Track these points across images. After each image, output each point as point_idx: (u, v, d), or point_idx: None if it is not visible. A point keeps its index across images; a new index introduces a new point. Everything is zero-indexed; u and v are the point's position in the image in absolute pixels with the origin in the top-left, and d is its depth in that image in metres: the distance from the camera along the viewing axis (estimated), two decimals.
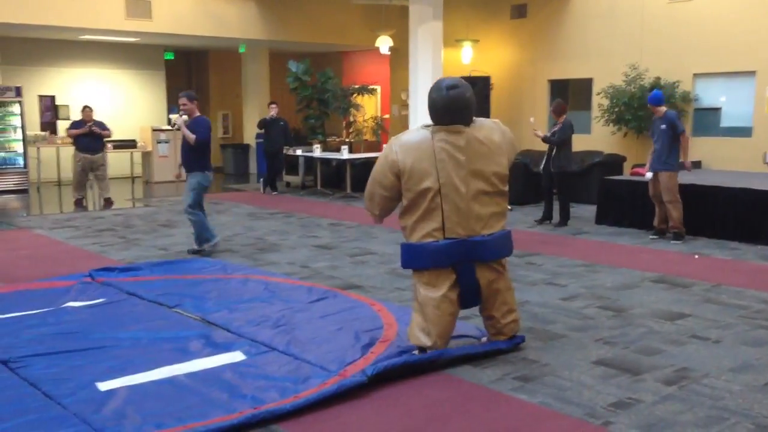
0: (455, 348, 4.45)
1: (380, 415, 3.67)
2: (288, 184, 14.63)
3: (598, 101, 12.77)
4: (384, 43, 15.09)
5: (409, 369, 4.15)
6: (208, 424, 3.48)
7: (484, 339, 4.67)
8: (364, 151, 13.90)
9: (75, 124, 11.70)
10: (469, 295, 4.40)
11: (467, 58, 14.88)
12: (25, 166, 13.70)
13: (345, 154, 12.87)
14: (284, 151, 13.48)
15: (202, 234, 7.76)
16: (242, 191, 13.93)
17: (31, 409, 3.66)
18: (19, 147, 13.63)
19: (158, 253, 7.91)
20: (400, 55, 15.75)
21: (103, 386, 3.97)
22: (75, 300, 5.79)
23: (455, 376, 4.17)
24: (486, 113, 10.97)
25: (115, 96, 15.66)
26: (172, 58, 17.22)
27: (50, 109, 14.86)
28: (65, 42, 14.94)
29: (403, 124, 16.21)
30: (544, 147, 9.83)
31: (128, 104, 15.95)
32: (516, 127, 14.51)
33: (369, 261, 7.44)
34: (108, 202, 11.80)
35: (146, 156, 15.50)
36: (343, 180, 13.29)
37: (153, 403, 3.74)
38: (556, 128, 9.51)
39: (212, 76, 18.51)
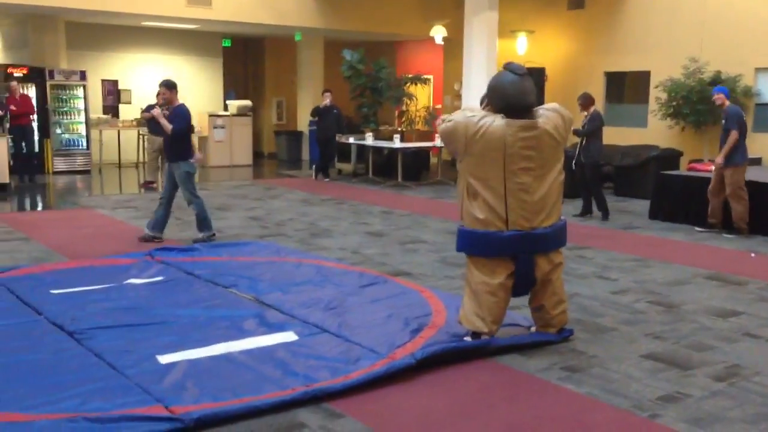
0: (504, 337, 4.50)
1: (428, 398, 3.76)
2: (339, 172, 14.78)
3: (656, 95, 12.55)
4: (438, 33, 15.10)
5: (457, 354, 4.23)
6: (263, 398, 3.62)
7: (533, 329, 4.71)
8: (416, 141, 13.93)
9: (149, 108, 11.71)
10: (522, 284, 4.46)
11: (522, 49, 14.78)
12: (88, 147, 14.15)
13: (397, 142, 12.94)
14: (337, 139, 13.62)
15: (206, 219, 7.66)
16: (295, 177, 14.14)
17: (97, 377, 3.86)
18: (82, 129, 14.08)
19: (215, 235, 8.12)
20: (453, 46, 15.73)
21: (163, 359, 4.15)
22: (136, 277, 6.02)
23: (502, 363, 4.23)
24: (540, 104, 10.85)
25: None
26: (230, 45, 17.52)
27: (113, 93, 15.31)
28: (128, 28, 15.35)
29: None
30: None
31: (186, 90, 16.16)
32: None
33: (419, 249, 7.52)
34: (148, 185, 12.00)
35: (203, 141, 15.83)
36: (395, 168, 13.38)
37: (210, 377, 3.90)
38: (585, 120, 9.51)
39: (268, 63, 18.76)
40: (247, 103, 16.59)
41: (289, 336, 4.60)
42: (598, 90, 14.08)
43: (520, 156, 4.28)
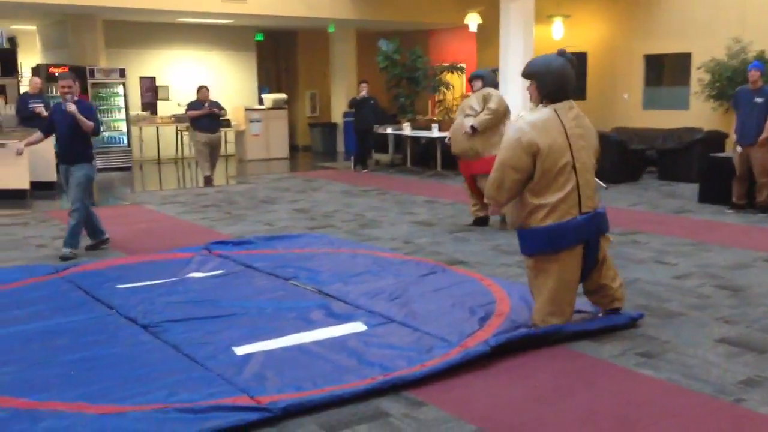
0: (576, 323, 4.50)
1: (506, 385, 3.78)
2: (377, 162, 14.81)
3: (698, 76, 12.36)
4: (473, 21, 15.01)
5: (530, 342, 4.23)
6: (344, 388, 3.67)
7: (600, 314, 4.71)
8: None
9: (193, 105, 11.64)
10: (589, 268, 4.49)
11: (558, 34, 14.64)
12: (129, 144, 14.34)
13: (435, 132, 12.93)
14: (374, 130, 13.63)
15: (74, 237, 6.81)
16: (332, 169, 14.19)
17: (179, 369, 3.93)
18: (122, 126, 14.26)
19: (264, 227, 8.20)
20: (487, 33, 15.62)
21: (239, 351, 4.21)
22: (196, 271, 6.10)
23: (575, 350, 4.23)
24: (582, 91, 10.79)
25: (209, 76, 16.08)
26: (262, 39, 17.61)
27: (151, 89, 15.46)
28: (164, 25, 15.48)
29: None
30: (639, 123, 9.67)
31: (222, 84, 16.39)
32: (610, 104, 14.27)
33: (470, 238, 7.52)
34: (208, 180, 12.07)
35: (239, 135, 15.95)
36: (433, 158, 13.37)
37: (288, 368, 3.95)
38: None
39: (300, 56, 18.82)
40: (283, 96, 16.67)
41: (357, 326, 4.63)
42: (637, 73, 13.94)
43: (576, 135, 4.37)
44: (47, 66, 13.59)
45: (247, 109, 15.87)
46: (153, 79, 15.51)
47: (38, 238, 7.69)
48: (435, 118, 15.08)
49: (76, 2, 12.02)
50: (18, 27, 16.13)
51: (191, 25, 15.69)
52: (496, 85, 8.50)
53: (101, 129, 7.04)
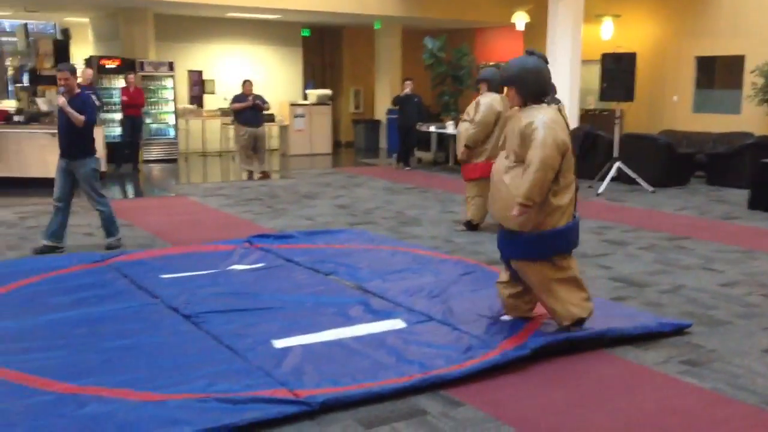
0: (619, 327, 4.42)
1: (545, 388, 3.73)
2: (420, 160, 14.78)
3: (752, 80, 12.05)
4: (520, 19, 14.88)
5: (570, 345, 4.18)
6: (383, 384, 3.67)
7: (506, 317, 4.69)
8: None
9: (237, 98, 11.75)
10: None
11: (607, 34, 14.42)
12: (175, 137, 14.56)
13: None
14: (417, 128, 13.61)
15: (111, 227, 6.86)
16: (375, 166, 14.21)
17: (220, 360, 3.98)
18: (170, 119, 14.49)
19: (305, 222, 8.25)
20: (534, 32, 15.46)
21: (278, 344, 4.24)
22: (238, 263, 6.17)
23: (615, 355, 4.17)
24: (631, 91, 10.59)
25: (255, 71, 16.25)
26: (308, 35, 17.70)
27: (198, 83, 15.67)
28: (212, 19, 15.68)
29: None
30: (688, 126, 9.45)
31: (267, 79, 16.53)
32: (659, 106, 14.00)
33: None
34: (265, 175, 12.11)
35: (283, 130, 16.08)
36: None
37: (326, 363, 3.96)
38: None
39: (345, 52, 18.87)
40: (327, 92, 16.74)
41: (397, 323, 4.63)
42: (688, 75, 13.65)
43: (570, 138, 4.32)
44: (99, 58, 13.87)
45: (291, 104, 15.98)
46: (200, 72, 15.71)
47: (85, 226, 7.86)
48: None
49: None
50: (71, 19, 16.48)
51: (239, 20, 15.85)
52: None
53: (95, 119, 6.77)
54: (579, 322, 4.36)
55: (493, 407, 3.50)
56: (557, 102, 4.30)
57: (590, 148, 12.00)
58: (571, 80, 12.75)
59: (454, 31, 17.86)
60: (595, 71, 13.83)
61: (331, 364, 3.94)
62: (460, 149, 7.61)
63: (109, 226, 6.83)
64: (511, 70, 4.31)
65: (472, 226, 7.75)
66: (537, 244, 4.29)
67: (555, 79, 12.56)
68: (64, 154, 6.64)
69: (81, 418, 3.27)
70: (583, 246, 7.00)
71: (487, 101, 7.37)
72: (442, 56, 14.20)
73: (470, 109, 7.58)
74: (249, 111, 11.65)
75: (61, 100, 6.48)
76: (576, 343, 4.22)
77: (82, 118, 6.47)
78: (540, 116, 4.17)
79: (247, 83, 11.79)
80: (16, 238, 7.15)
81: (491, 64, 15.42)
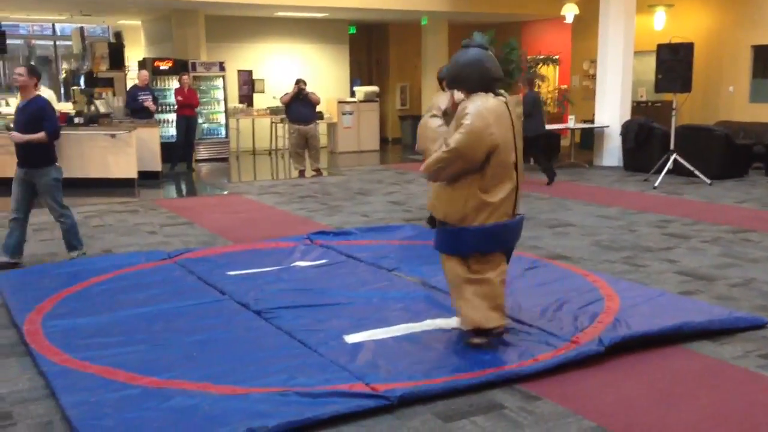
0: (694, 321, 4.36)
1: (623, 383, 3.70)
2: None
3: None
4: (570, 11, 14.71)
5: (646, 340, 4.14)
6: (458, 378, 3.69)
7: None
8: (547, 123, 13.65)
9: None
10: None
11: (659, 24, 14.17)
12: (226, 136, 14.77)
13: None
14: None
15: (73, 239, 6.46)
16: (423, 162, 14.18)
17: (295, 355, 4.04)
18: (221, 118, 14.70)
19: (361, 219, 8.30)
20: (584, 24, 15.28)
21: (350, 339, 4.29)
22: (300, 260, 6.24)
23: (692, 350, 4.11)
24: (688, 82, 10.40)
25: (303, 69, 16.39)
26: (355, 32, 17.77)
27: (248, 82, 15.86)
28: (261, 19, 15.85)
29: (584, 95, 15.79)
30: (744, 117, 9.24)
31: (315, 77, 16.62)
32: (714, 97, 13.71)
33: (570, 232, 7.40)
34: (318, 172, 12.17)
35: (331, 127, 16.18)
36: (524, 151, 13.19)
37: (399, 357, 3.99)
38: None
39: (392, 49, 18.89)
40: (374, 88, 16.79)
41: None
42: (744, 65, 13.34)
43: (519, 133, 4.06)
44: (152, 60, 14.14)
45: (339, 102, 16.07)
46: (250, 72, 15.90)
47: (148, 225, 8.04)
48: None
49: None
50: (124, 22, 16.85)
51: (287, 19, 16.00)
52: None
53: (57, 126, 6.21)
54: (480, 332, 4.09)
55: (571, 401, 3.49)
56: (501, 95, 4.07)
57: (645, 140, 11.82)
58: (623, 72, 12.59)
59: (501, 25, 17.73)
60: (647, 62, 13.64)
61: (404, 359, 3.97)
62: (426, 144, 7.36)
63: (72, 239, 6.40)
64: (452, 71, 4.15)
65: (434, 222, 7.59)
66: (456, 239, 4.06)
67: (607, 72, 12.44)
68: (22, 163, 6.14)
69: (168, 411, 3.36)
70: (645, 239, 6.95)
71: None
72: (492, 51, 14.09)
73: (440, 102, 7.37)
74: (299, 109, 11.73)
75: (16, 136, 6.02)
76: (651, 338, 4.17)
77: (42, 136, 6.03)
78: (477, 104, 3.93)
79: (300, 82, 11.90)
80: (84, 237, 7.29)
81: (540, 57, 15.30)
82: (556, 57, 15.73)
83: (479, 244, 4.03)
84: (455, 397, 3.56)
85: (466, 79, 4.03)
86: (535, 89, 11.76)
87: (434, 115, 7.27)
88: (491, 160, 3.92)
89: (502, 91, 4.12)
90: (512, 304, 4.85)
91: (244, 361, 3.95)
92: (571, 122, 13.26)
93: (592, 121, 13.42)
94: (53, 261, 6.40)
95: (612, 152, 12.87)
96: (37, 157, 6.13)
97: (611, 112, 12.76)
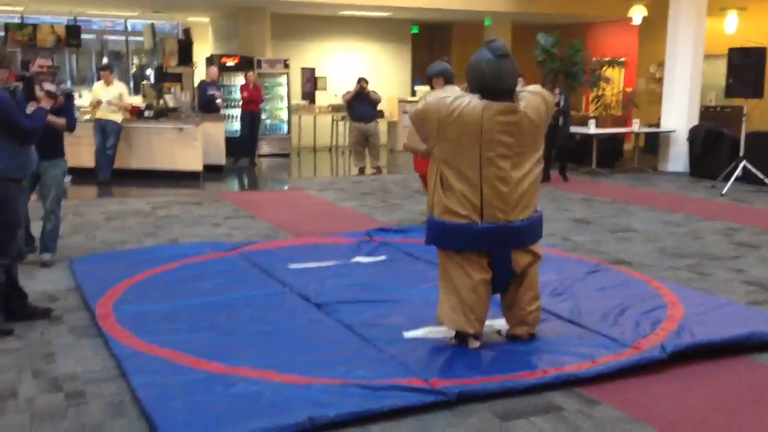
0: (762, 332, 4.26)
1: (685, 391, 3.65)
2: None
3: None
4: (638, 13, 14.43)
5: (710, 349, 4.06)
6: (516, 378, 3.69)
7: (503, 331, 4.34)
8: (611, 126, 13.45)
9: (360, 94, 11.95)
10: (501, 279, 4.12)
11: (731, 28, 13.79)
12: (289, 132, 14.99)
13: (592, 128, 12.58)
14: None
15: (51, 242, 6.04)
16: None
17: (354, 348, 4.11)
18: (284, 115, 14.93)
19: (420, 217, 8.32)
20: (651, 26, 14.97)
21: (408, 334, 4.34)
22: (360, 256, 6.31)
23: (760, 362, 4.02)
24: (760, 87, 10.11)
25: (365, 68, 16.50)
26: (417, 32, 17.80)
27: (310, 80, 16.06)
28: (326, 18, 16.03)
29: (650, 98, 15.46)
30: None
31: (377, 76, 16.70)
32: None
33: (633, 238, 7.29)
34: (378, 170, 12.26)
35: (392, 126, 16.25)
36: (587, 155, 13.03)
37: (457, 355, 4.01)
38: None
39: (454, 49, 18.83)
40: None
41: None
42: None
43: (497, 141, 3.90)
44: (219, 56, 14.46)
45: (400, 101, 16.12)
46: (312, 70, 16.09)
47: (213, 217, 8.24)
48: (590, 114, 14.65)
49: None
50: (193, 19, 17.26)
51: (351, 18, 16.14)
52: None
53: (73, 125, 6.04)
54: (457, 335, 4.13)
55: (631, 407, 3.46)
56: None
57: (713, 146, 11.54)
58: (692, 76, 12.30)
59: (566, 27, 17.50)
60: (717, 66, 13.28)
61: (462, 357, 3.99)
62: (416, 144, 7.26)
63: (49, 241, 6.02)
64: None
65: None
66: (429, 229, 4.19)
67: (675, 75, 12.18)
68: (42, 154, 5.46)
69: (232, 396, 3.47)
70: (711, 247, 6.80)
71: (455, 93, 7.24)
72: (555, 52, 13.94)
73: None
74: (360, 107, 11.83)
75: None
76: (716, 347, 4.10)
77: (63, 122, 5.80)
78: (438, 94, 4.12)
79: (362, 81, 12.00)
80: (152, 227, 7.59)
81: (605, 59, 15.05)
82: (622, 59, 15.43)
83: (433, 236, 4.12)
84: (513, 397, 3.57)
85: (467, 78, 4.09)
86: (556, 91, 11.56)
87: None
88: (438, 152, 3.99)
89: (519, 92, 4.03)
90: (571, 308, 4.83)
91: (305, 352, 4.04)
92: (636, 126, 13.03)
93: (658, 125, 13.15)
94: (124, 248, 6.63)
95: (678, 157, 12.58)
96: (50, 147, 5.75)
97: (678, 116, 12.48)
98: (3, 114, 4.30)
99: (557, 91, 11.66)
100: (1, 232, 4.39)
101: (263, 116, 14.43)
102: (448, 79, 7.23)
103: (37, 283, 5.44)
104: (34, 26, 15.21)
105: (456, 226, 4.00)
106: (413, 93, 16.91)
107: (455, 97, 3.96)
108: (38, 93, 4.66)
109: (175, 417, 3.24)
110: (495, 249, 4.02)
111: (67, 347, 4.20)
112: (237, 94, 13.69)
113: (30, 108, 4.60)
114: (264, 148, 14.59)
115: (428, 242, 4.19)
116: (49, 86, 4.79)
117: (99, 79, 11.43)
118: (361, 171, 12.20)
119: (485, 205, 3.96)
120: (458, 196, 3.97)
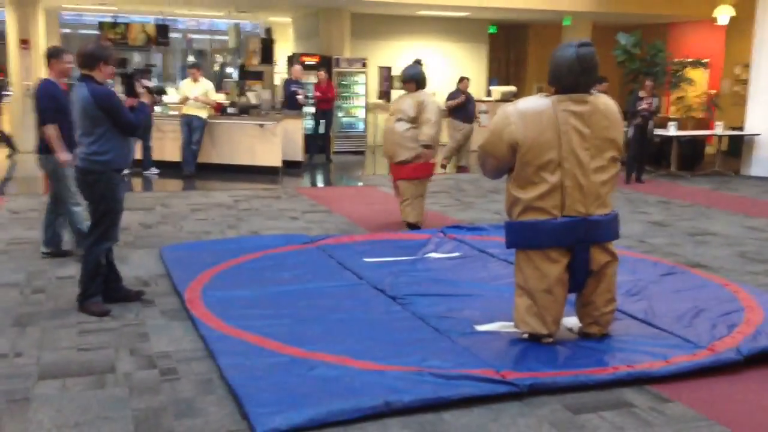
0: None
1: (759, 394, 3.65)
2: None
3: None
4: (724, 13, 14.04)
5: None
6: (588, 373, 3.76)
7: (576, 328, 4.35)
8: (693, 128, 13.15)
9: (452, 95, 12.25)
10: (578, 277, 4.11)
11: None
12: (365, 130, 15.24)
13: (672, 130, 12.33)
14: None
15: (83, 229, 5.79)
16: None
17: (429, 339, 4.25)
18: (361, 113, 15.18)
19: (494, 216, 8.41)
20: (738, 27, 14.52)
21: (481, 328, 4.45)
22: (434, 252, 6.45)
23: None
24: None
25: (443, 67, 16.61)
26: (495, 31, 17.77)
27: (387, 79, 16.27)
28: (403, 17, 16.21)
29: (734, 100, 15.01)
30: None
31: (453, 75, 16.75)
32: None
33: (711, 241, 7.17)
34: (462, 169, 12.49)
35: None
36: (665, 157, 12.78)
37: (528, 349, 4.11)
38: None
39: (531, 49, 18.75)
40: (512, 89, 16.72)
41: None
42: None
43: (574, 131, 3.97)
44: (300, 55, 14.82)
45: (476, 101, 16.12)
46: (389, 69, 16.29)
47: (291, 210, 8.52)
48: (671, 116, 14.34)
49: None
50: (274, 19, 17.74)
51: (428, 17, 16.26)
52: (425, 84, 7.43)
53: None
54: (533, 336, 4.18)
55: (704, 406, 3.49)
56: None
57: None
58: None
59: (647, 27, 17.17)
60: None
61: (533, 351, 4.08)
62: (393, 149, 7.26)
63: (80, 232, 5.87)
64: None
65: (415, 227, 7.44)
66: (505, 232, 4.25)
67: (761, 77, 11.85)
68: (42, 148, 5.75)
69: (313, 378, 3.66)
70: None
71: (432, 100, 7.28)
72: (636, 53, 13.71)
73: (407, 108, 7.16)
74: (468, 107, 12.10)
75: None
76: None
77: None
78: (515, 104, 4.16)
79: (464, 80, 12.19)
80: (234, 219, 7.92)
81: (688, 60, 14.70)
82: (705, 60, 15.04)
83: (515, 238, 4.16)
84: (584, 391, 3.64)
85: (550, 70, 4.16)
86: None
87: (400, 119, 7.21)
88: (517, 156, 4.02)
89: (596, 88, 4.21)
90: (645, 308, 4.84)
91: (381, 340, 4.20)
92: (719, 129, 12.69)
93: (742, 128, 12.78)
94: (208, 238, 6.96)
95: (762, 161, 12.21)
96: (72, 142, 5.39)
97: (763, 119, 12.10)
98: (114, 109, 4.62)
99: (650, 93, 11.36)
100: (106, 218, 4.73)
101: (340, 114, 14.71)
102: (419, 84, 7.33)
103: (130, 268, 5.79)
104: (126, 25, 15.94)
105: (536, 224, 4.04)
106: (488, 93, 16.91)
107: (513, 109, 4.06)
108: (138, 89, 4.97)
109: (260, 395, 3.44)
110: (575, 243, 4.06)
111: (159, 328, 4.49)
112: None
113: (128, 103, 4.91)
114: (339, 144, 14.87)
115: (509, 245, 4.23)
116: (147, 83, 5.11)
117: (186, 76, 11.91)
118: (464, 169, 12.52)
119: (566, 196, 4.00)
120: (540, 192, 4.02)
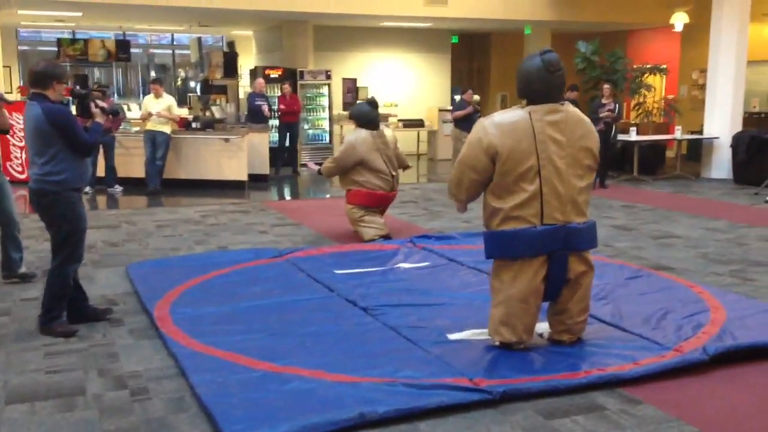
0: None
1: (729, 392, 3.72)
2: None
3: None
4: (679, 20, 14.36)
5: (753, 353, 4.11)
6: (559, 378, 3.80)
7: (546, 334, 4.41)
8: (652, 133, 13.40)
9: (459, 106, 12.31)
10: (555, 286, 4.18)
11: None
12: (330, 141, 15.23)
13: (633, 135, 12.56)
14: None
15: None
16: None
17: (400, 349, 4.26)
18: (326, 124, 15.18)
19: (462, 224, 8.46)
20: (693, 33, 14.88)
21: (453, 336, 4.47)
22: (404, 262, 6.46)
23: None
24: None
25: (405, 78, 16.73)
26: (457, 41, 17.93)
27: (352, 90, 16.31)
28: (367, 29, 16.27)
29: (693, 105, 15.34)
30: None
31: (416, 85, 16.94)
32: None
33: (675, 244, 7.31)
34: None
35: (432, 135, 16.40)
36: (628, 162, 13.01)
37: (500, 356, 4.13)
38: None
39: (493, 58, 18.96)
40: (476, 98, 16.87)
41: None
42: None
43: (551, 140, 4.03)
44: (263, 68, 14.79)
45: (440, 110, 16.27)
46: (354, 80, 16.33)
47: (259, 224, 8.48)
48: (632, 122, 14.60)
49: (292, 9, 12.99)
50: (236, 32, 17.68)
51: (392, 29, 16.36)
52: (372, 122, 7.53)
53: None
54: (503, 344, 4.20)
55: (674, 407, 3.54)
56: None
57: (757, 152, 11.44)
58: (735, 82, 12.23)
59: (606, 34, 17.49)
60: (761, 72, 13.18)
61: (505, 358, 4.11)
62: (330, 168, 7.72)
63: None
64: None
65: (387, 237, 7.52)
66: (484, 242, 4.30)
67: (718, 82, 12.13)
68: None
69: (286, 393, 3.64)
70: (756, 254, 6.81)
71: (351, 140, 7.47)
72: (595, 60, 13.94)
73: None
74: (475, 118, 12.11)
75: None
76: (759, 350, 4.14)
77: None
78: (490, 117, 4.20)
79: (468, 92, 12.27)
80: (202, 234, 7.85)
81: (647, 66, 14.99)
82: (664, 66, 15.36)
83: (494, 248, 4.20)
84: (556, 396, 3.68)
85: (517, 81, 4.21)
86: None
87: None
88: (496, 167, 4.06)
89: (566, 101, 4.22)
90: (613, 311, 4.91)
91: (353, 352, 4.20)
92: (678, 133, 12.96)
93: (701, 132, 13.07)
94: (176, 254, 6.89)
95: (721, 164, 12.49)
96: None
97: (721, 123, 12.40)
98: (68, 129, 4.54)
99: (611, 98, 11.63)
100: (72, 238, 4.65)
101: (305, 126, 14.70)
102: (360, 124, 7.57)
103: (96, 287, 5.71)
104: (86, 41, 15.76)
105: (515, 233, 4.07)
106: (452, 102, 17.04)
107: (491, 121, 4.10)
108: (93, 110, 4.88)
109: (233, 412, 3.41)
110: (554, 251, 4.09)
111: (128, 347, 4.42)
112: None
113: (81, 122, 4.81)
114: (306, 157, 14.83)
115: (489, 255, 4.25)
116: (102, 103, 5.02)
117: (148, 92, 11.80)
118: None
119: (544, 204, 4.04)
120: (519, 201, 4.05)
